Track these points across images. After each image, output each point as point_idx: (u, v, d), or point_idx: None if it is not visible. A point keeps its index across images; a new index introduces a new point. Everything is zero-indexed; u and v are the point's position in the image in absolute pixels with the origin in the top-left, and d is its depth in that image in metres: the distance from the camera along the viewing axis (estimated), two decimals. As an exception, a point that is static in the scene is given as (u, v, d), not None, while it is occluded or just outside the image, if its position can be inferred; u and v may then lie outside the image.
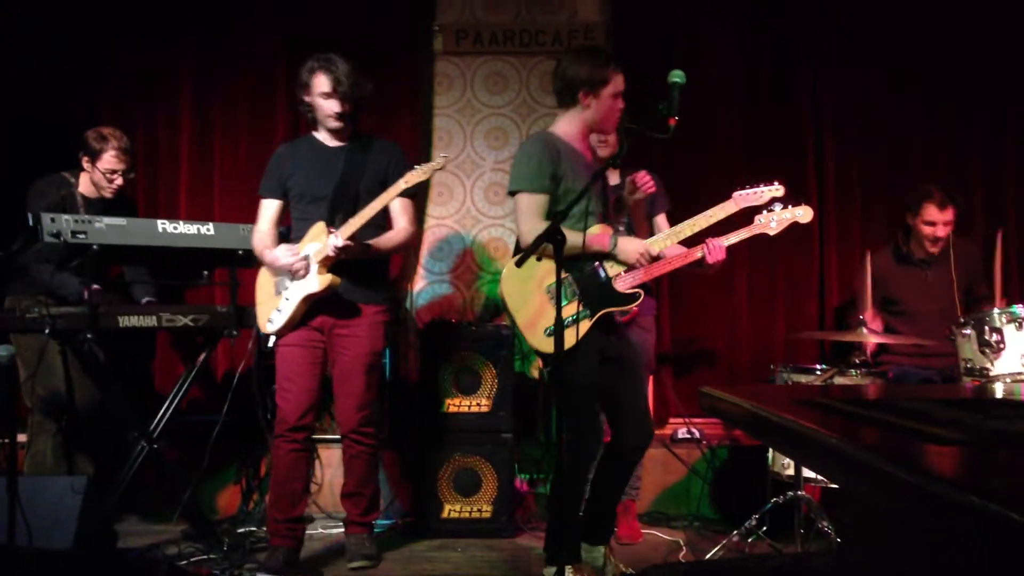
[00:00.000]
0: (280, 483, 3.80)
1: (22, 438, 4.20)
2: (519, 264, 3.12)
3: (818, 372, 4.10)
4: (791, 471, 3.94)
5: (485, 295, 5.39)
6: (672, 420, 5.07)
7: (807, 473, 3.86)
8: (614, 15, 5.34)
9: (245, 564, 3.83)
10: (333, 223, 3.69)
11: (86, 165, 4.21)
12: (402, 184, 3.58)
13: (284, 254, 3.70)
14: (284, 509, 3.77)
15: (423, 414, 4.46)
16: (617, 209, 3.66)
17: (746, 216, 3.67)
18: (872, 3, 5.23)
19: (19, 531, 2.99)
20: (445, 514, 4.38)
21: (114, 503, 4.00)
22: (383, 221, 3.80)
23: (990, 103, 5.21)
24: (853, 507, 1.78)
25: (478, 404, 4.42)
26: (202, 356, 4.28)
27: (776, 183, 3.55)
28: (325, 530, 4.42)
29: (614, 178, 4.22)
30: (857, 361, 4.06)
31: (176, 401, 4.25)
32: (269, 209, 3.86)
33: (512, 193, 3.42)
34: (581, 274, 3.36)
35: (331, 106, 3.73)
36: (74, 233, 3.81)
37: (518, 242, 3.55)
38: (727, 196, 3.55)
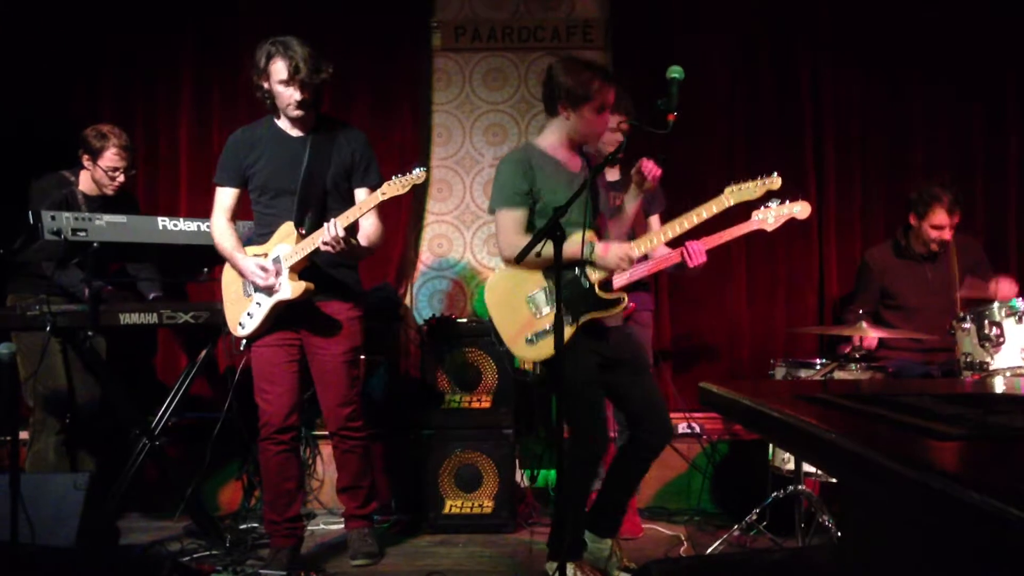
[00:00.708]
0: (273, 485, 3.76)
1: (24, 436, 4.21)
2: (518, 260, 3.12)
3: (818, 366, 4.11)
4: (791, 465, 3.95)
5: (474, 308, 5.40)
6: (672, 415, 5.06)
7: (807, 467, 3.86)
8: (613, 11, 5.34)
9: (247, 560, 3.83)
10: (302, 220, 3.59)
11: (87, 163, 4.21)
12: (379, 196, 3.46)
13: (256, 271, 3.55)
14: (280, 510, 3.74)
15: (424, 410, 4.47)
16: (614, 214, 3.61)
17: (743, 212, 3.66)
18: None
19: (22, 528, 2.99)
20: (446, 510, 4.39)
21: (116, 500, 4.00)
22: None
23: (990, 97, 5.21)
24: (853, 501, 1.79)
25: (479, 400, 4.43)
26: (203, 353, 4.28)
27: (774, 174, 3.43)
28: (327, 526, 4.43)
29: (614, 173, 4.22)
30: (856, 354, 4.06)
31: (178, 397, 4.25)
32: (227, 199, 3.70)
33: (492, 211, 3.44)
34: (562, 280, 3.33)
35: (291, 94, 3.53)
36: (74, 231, 3.80)
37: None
38: (731, 184, 3.45)
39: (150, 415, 4.19)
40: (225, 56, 5.38)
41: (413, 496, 4.56)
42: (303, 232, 3.56)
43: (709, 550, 3.85)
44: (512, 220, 3.35)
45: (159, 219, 4.07)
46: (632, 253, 3.34)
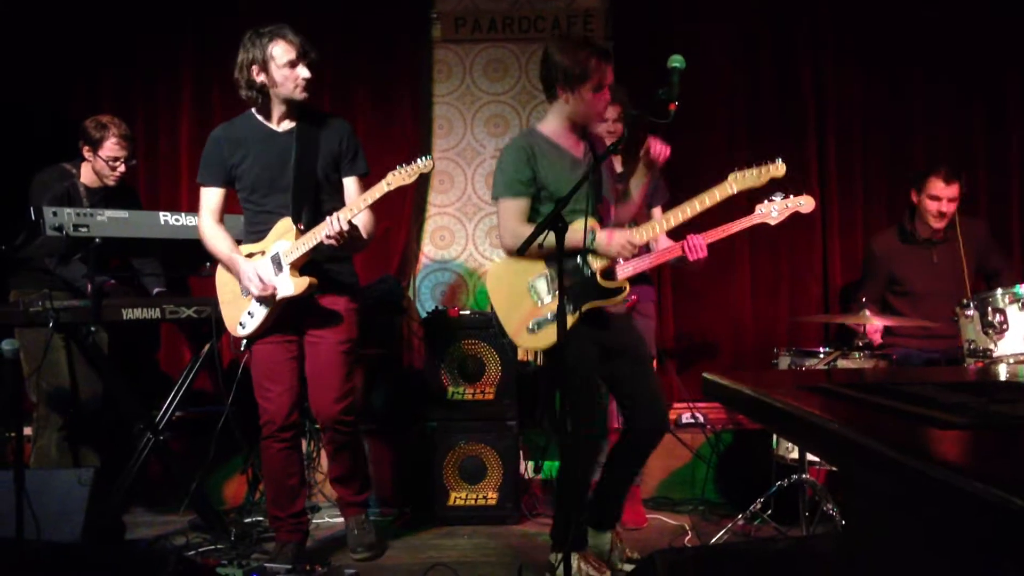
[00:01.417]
0: (276, 481, 3.75)
1: (28, 432, 4.21)
2: (520, 252, 3.11)
3: (821, 355, 4.10)
4: (795, 455, 3.95)
5: (476, 300, 5.39)
6: (676, 405, 5.07)
7: (811, 457, 3.86)
8: (613, 1, 5.32)
9: (252, 554, 3.84)
10: (299, 216, 3.55)
11: (87, 155, 4.21)
12: (384, 186, 3.41)
13: (254, 279, 3.50)
14: (284, 506, 3.74)
15: (427, 402, 4.47)
16: (624, 198, 3.57)
17: (746, 204, 3.64)
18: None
19: (27, 524, 3.00)
20: (451, 502, 4.39)
21: (121, 495, 4.01)
22: (341, 205, 3.62)
23: (991, 90, 5.20)
24: (857, 491, 1.78)
25: (482, 392, 4.43)
26: (206, 347, 4.28)
27: (778, 160, 3.38)
28: (331, 519, 4.44)
29: (617, 164, 4.21)
30: (860, 344, 4.06)
31: (181, 392, 4.26)
32: (214, 199, 3.64)
33: (495, 199, 3.43)
34: (563, 269, 3.32)
35: (301, 73, 3.51)
36: (76, 226, 3.79)
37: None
38: (736, 171, 3.40)
39: (154, 410, 4.20)
40: (225, 54, 5.32)
41: (417, 488, 4.57)
42: (302, 228, 3.53)
43: (714, 540, 3.86)
44: (514, 209, 3.34)
45: (161, 214, 4.07)
46: (635, 240, 3.31)
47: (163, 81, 5.37)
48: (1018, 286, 3.63)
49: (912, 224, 4.50)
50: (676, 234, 3.85)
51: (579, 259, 3.32)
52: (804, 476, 3.78)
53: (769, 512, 3.89)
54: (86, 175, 4.27)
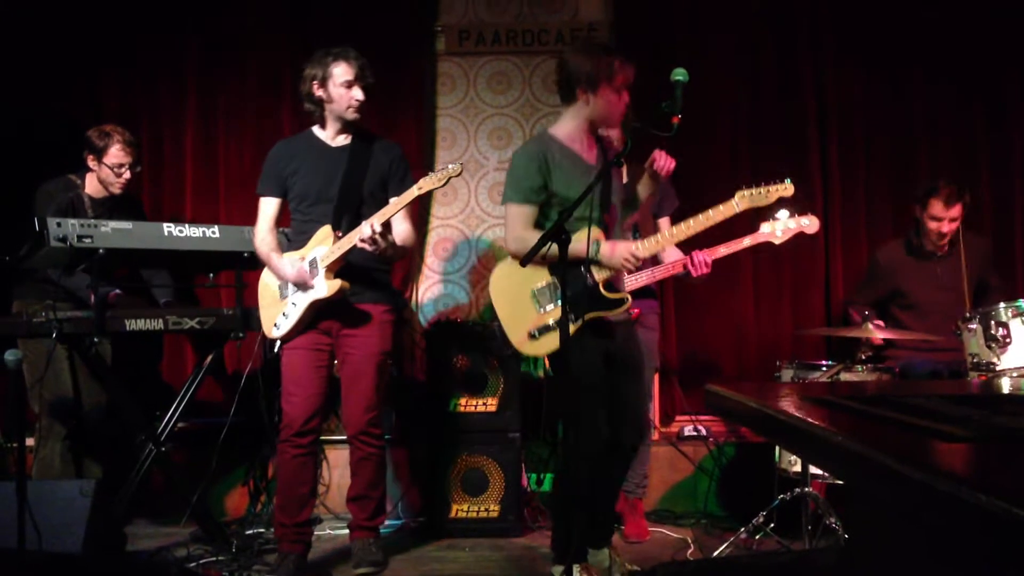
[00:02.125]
0: (286, 488, 3.77)
1: (30, 442, 4.21)
2: (524, 263, 3.11)
3: (824, 368, 4.10)
4: (798, 468, 3.94)
5: (480, 312, 5.39)
6: (679, 418, 5.07)
7: (814, 470, 3.85)
8: (616, 14, 5.35)
9: (254, 566, 3.83)
10: (339, 225, 3.65)
11: (92, 163, 4.22)
12: (415, 191, 3.52)
13: (290, 268, 3.66)
14: (291, 514, 3.74)
15: (430, 414, 4.46)
16: (630, 206, 3.57)
17: (750, 220, 3.64)
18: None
19: (28, 535, 2.99)
20: (453, 514, 4.38)
21: (123, 506, 4.00)
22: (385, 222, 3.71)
23: (994, 98, 5.20)
24: (860, 504, 1.78)
25: (485, 404, 4.43)
26: (209, 358, 4.28)
27: (786, 181, 3.39)
28: (333, 531, 4.43)
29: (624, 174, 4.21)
30: (863, 357, 4.06)
31: (184, 403, 4.25)
32: (270, 208, 3.80)
33: (504, 203, 3.44)
34: (568, 278, 3.32)
35: (356, 94, 3.67)
36: (80, 237, 3.80)
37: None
38: (731, 194, 3.40)
39: (156, 421, 4.20)
40: (229, 63, 5.40)
41: (419, 500, 4.56)
42: (339, 235, 3.61)
43: (716, 553, 3.84)
44: (522, 215, 3.34)
45: (164, 225, 4.07)
46: (639, 253, 3.31)
47: (167, 88, 5.38)
48: (1021, 300, 3.63)
49: (919, 238, 4.50)
50: (680, 248, 3.87)
51: (582, 269, 3.32)
52: (807, 489, 3.77)
53: (771, 525, 3.88)
54: (91, 186, 4.29)
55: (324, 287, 3.61)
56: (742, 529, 3.87)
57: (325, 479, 4.66)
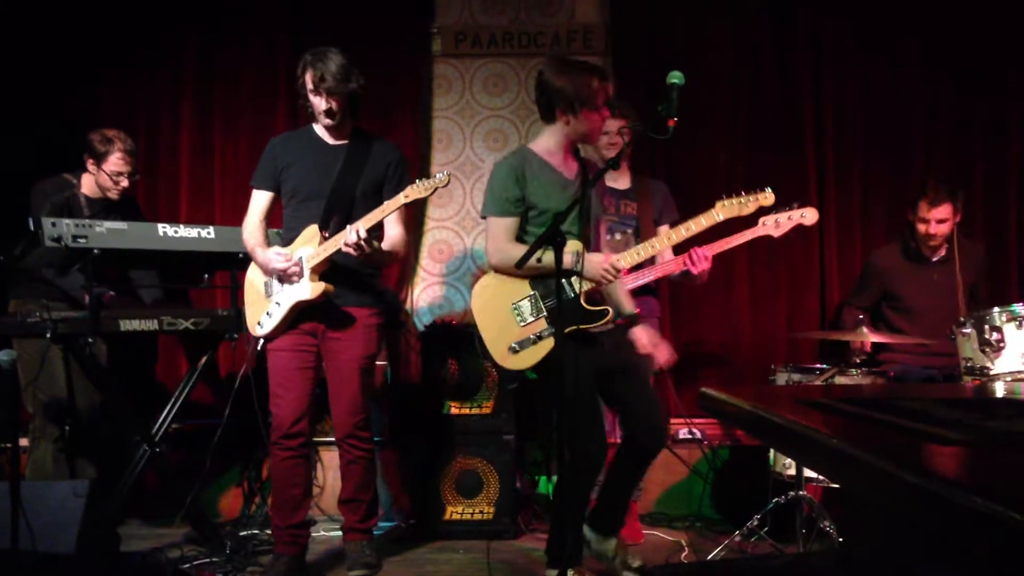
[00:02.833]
0: (279, 490, 3.77)
1: (24, 443, 4.20)
2: (519, 266, 3.10)
3: (819, 371, 4.11)
4: (792, 471, 3.94)
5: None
6: (673, 420, 5.06)
7: (808, 473, 3.86)
8: (613, 16, 5.35)
9: (248, 567, 3.83)
10: (327, 225, 3.62)
11: (91, 168, 4.21)
12: (401, 199, 3.48)
13: (276, 259, 3.60)
14: (285, 515, 3.74)
15: (425, 416, 4.46)
16: (615, 223, 3.60)
17: (750, 217, 3.65)
18: (873, 1, 5.24)
19: (22, 536, 2.98)
20: (447, 516, 4.38)
21: (117, 507, 4.00)
22: (377, 225, 3.70)
23: (992, 101, 5.21)
24: (854, 507, 1.78)
25: (479, 406, 4.43)
26: (203, 359, 4.27)
27: (766, 191, 3.40)
28: (327, 533, 4.43)
29: (624, 181, 4.21)
30: (857, 360, 4.06)
31: (178, 404, 4.25)
32: (261, 201, 3.76)
33: (483, 217, 3.45)
34: (547, 290, 3.30)
35: (317, 103, 3.61)
36: (75, 237, 3.79)
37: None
38: (723, 199, 3.43)
39: (150, 421, 4.19)
40: (226, 63, 5.39)
41: (414, 502, 4.56)
42: (326, 235, 3.59)
43: (710, 556, 3.85)
44: (502, 228, 3.35)
45: (159, 226, 4.06)
46: (618, 264, 3.30)
47: (163, 88, 5.36)
48: (1015, 305, 3.64)
49: (915, 242, 4.50)
50: (676, 249, 3.88)
51: (564, 281, 3.31)
52: (801, 493, 3.78)
53: (766, 529, 3.88)
54: (87, 185, 4.27)
55: (308, 289, 3.58)
56: (737, 532, 3.88)
57: (319, 481, 4.66)
